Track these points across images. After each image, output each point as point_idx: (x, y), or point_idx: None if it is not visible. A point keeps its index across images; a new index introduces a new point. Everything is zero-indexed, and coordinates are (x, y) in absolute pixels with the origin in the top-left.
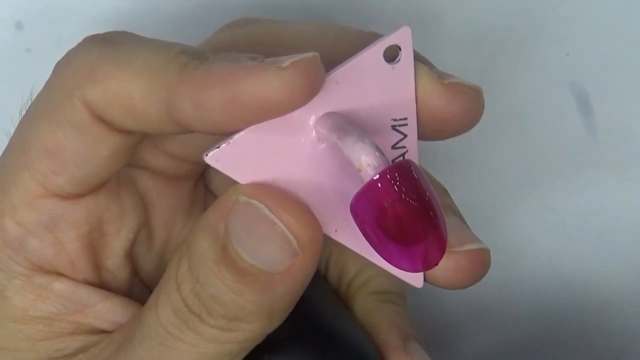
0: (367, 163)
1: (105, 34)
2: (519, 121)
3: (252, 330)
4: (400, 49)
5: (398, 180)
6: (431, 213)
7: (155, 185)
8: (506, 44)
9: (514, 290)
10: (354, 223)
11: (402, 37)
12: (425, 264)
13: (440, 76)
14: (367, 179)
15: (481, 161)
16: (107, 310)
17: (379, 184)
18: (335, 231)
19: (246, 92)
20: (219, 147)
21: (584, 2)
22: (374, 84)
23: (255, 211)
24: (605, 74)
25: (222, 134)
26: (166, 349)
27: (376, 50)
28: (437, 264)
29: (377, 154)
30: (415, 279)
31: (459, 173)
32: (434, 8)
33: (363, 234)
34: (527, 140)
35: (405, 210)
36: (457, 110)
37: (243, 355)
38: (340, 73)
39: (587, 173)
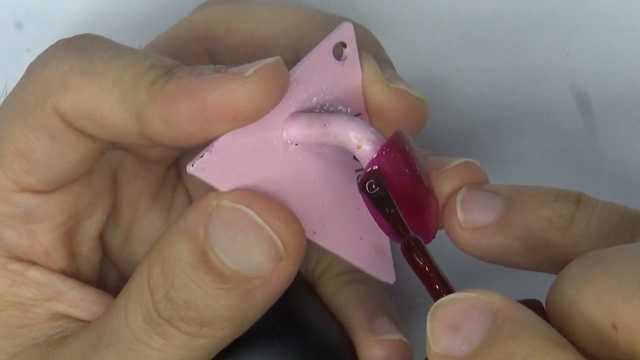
0: (367, 138)
1: (78, 39)
2: (518, 121)
3: (222, 336)
4: (345, 46)
5: (399, 152)
6: (426, 181)
7: (126, 164)
8: (506, 44)
9: None
10: (330, 224)
11: (345, 34)
12: (430, 232)
13: (389, 78)
14: (368, 155)
15: (480, 162)
16: (82, 298)
17: (383, 159)
18: (314, 233)
19: (213, 103)
20: (202, 156)
21: (584, 2)
22: (329, 81)
23: (241, 216)
24: (605, 74)
25: (192, 147)
26: (133, 353)
27: (325, 48)
28: (437, 229)
29: (372, 129)
30: (387, 275)
31: None
32: (433, 8)
33: (373, 214)
34: (527, 140)
35: (410, 180)
36: (397, 112)
37: None
38: (299, 73)
39: (587, 173)
